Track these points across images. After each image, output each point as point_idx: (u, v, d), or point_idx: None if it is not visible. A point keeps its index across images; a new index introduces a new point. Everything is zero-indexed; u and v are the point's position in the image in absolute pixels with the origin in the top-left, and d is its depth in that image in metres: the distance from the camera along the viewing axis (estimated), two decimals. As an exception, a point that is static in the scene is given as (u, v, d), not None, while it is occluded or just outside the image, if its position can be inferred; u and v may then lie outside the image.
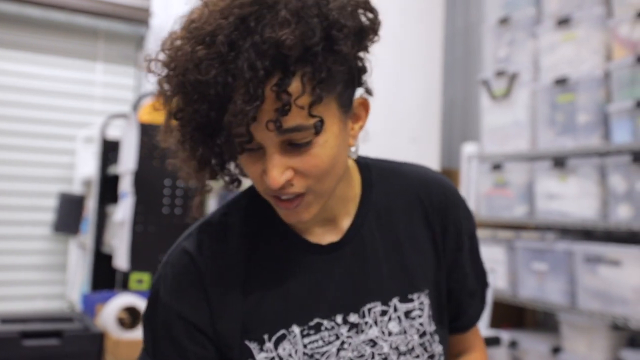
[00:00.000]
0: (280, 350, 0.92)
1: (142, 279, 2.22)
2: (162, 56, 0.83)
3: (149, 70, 0.85)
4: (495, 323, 2.92)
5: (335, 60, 0.80)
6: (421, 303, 0.99)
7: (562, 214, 2.75)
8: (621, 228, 2.55)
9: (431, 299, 1.00)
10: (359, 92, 0.94)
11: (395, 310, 0.97)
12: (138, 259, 2.22)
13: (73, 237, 3.40)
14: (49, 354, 1.65)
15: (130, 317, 1.79)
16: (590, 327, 2.61)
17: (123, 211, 2.24)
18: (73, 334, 1.69)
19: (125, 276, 2.24)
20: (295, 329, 0.93)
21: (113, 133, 2.87)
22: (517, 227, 3.05)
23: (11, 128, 3.46)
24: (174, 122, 0.87)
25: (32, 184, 3.50)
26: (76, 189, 3.44)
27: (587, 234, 2.90)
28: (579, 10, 2.69)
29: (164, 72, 0.82)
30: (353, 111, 0.91)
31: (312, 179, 0.85)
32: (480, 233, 3.02)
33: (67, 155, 3.53)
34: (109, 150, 2.79)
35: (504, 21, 3.03)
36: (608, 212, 2.57)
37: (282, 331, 0.93)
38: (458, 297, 1.06)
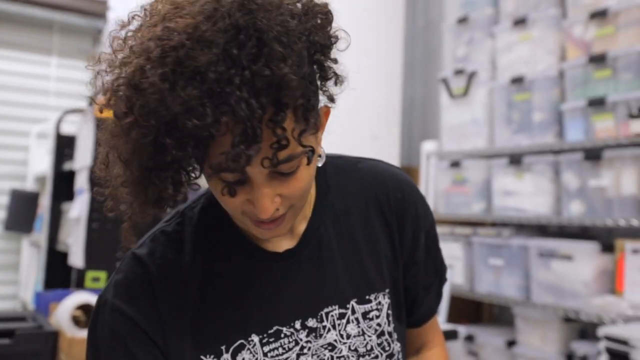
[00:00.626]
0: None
1: (99, 277, 2.19)
2: (115, 80, 0.75)
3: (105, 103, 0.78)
4: (452, 318, 2.94)
5: (322, 84, 0.80)
6: (379, 303, 0.99)
7: (517, 210, 2.80)
8: (573, 224, 2.63)
9: (390, 298, 1.00)
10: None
11: (353, 312, 0.97)
12: (94, 257, 2.18)
13: (26, 235, 3.34)
14: (0, 353, 1.61)
15: (85, 316, 1.76)
16: (544, 321, 2.66)
17: (79, 208, 2.20)
18: (25, 333, 1.66)
19: (81, 274, 2.20)
20: (255, 338, 0.92)
21: (68, 129, 2.81)
22: (474, 223, 3.09)
23: None
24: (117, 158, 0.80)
25: None
26: (29, 185, 3.38)
27: (541, 229, 2.96)
28: (535, 11, 2.75)
29: (119, 105, 0.73)
30: (320, 121, 0.86)
31: (295, 199, 0.83)
32: (439, 229, 3.06)
33: (21, 151, 3.46)
34: (64, 146, 2.74)
35: (462, 20, 3.07)
36: (561, 208, 2.63)
37: (241, 341, 0.91)
38: (414, 292, 1.06)
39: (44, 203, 3.02)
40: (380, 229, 1.02)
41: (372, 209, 1.02)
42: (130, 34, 0.78)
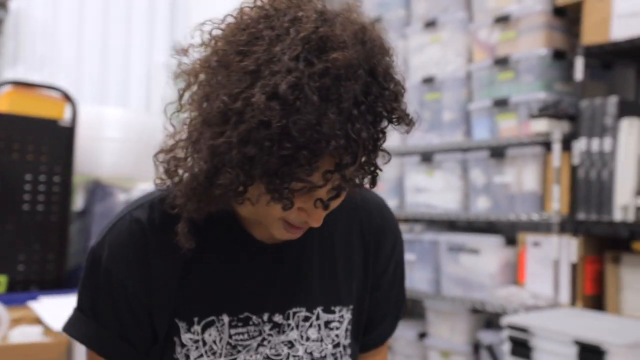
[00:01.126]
0: (206, 335, 0.94)
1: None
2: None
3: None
4: None
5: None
6: (342, 316, 1.02)
7: (428, 206, 2.88)
8: (480, 219, 2.71)
9: (353, 315, 1.04)
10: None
11: (318, 318, 1.00)
12: None
13: None
14: None
15: None
16: (452, 312, 2.75)
17: None
18: None
19: None
20: (225, 318, 0.95)
21: None
22: None
23: None
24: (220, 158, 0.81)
25: None
26: None
27: (450, 224, 3.05)
28: (444, 14, 2.82)
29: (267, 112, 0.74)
30: None
31: (319, 220, 0.88)
32: None
33: None
34: None
35: (376, 21, 3.07)
36: (469, 204, 2.72)
37: (212, 317, 0.94)
38: (371, 315, 1.09)
39: None
40: (358, 249, 1.06)
41: (355, 229, 1.06)
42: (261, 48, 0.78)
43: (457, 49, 2.78)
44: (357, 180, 0.86)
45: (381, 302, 1.10)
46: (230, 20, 0.84)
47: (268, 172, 0.76)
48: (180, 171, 0.90)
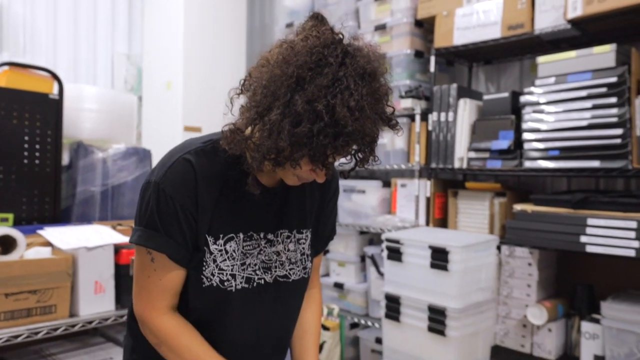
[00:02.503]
0: (227, 246, 0.98)
1: (7, 218, 2.03)
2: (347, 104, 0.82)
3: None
4: None
5: None
6: (307, 236, 1.10)
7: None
8: (366, 169, 2.81)
9: (311, 234, 1.12)
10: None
11: (294, 236, 1.08)
12: (2, 202, 2.02)
13: None
14: None
15: (1, 246, 1.66)
16: (346, 234, 2.85)
17: None
18: None
19: None
20: (240, 235, 1.00)
21: None
22: None
23: None
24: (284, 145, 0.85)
25: None
26: None
27: (346, 174, 3.13)
28: (339, 22, 2.84)
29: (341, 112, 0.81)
30: None
31: None
32: None
33: None
34: None
35: (289, 25, 3.10)
36: None
37: (232, 234, 0.99)
38: (319, 235, 1.16)
39: None
40: (317, 190, 1.13)
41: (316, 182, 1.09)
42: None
43: None
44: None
45: (324, 227, 1.18)
46: (292, 43, 0.87)
47: (321, 152, 0.83)
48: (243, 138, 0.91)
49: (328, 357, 2.66)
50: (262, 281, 1.03)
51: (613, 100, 1.81)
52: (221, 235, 0.98)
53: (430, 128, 2.39)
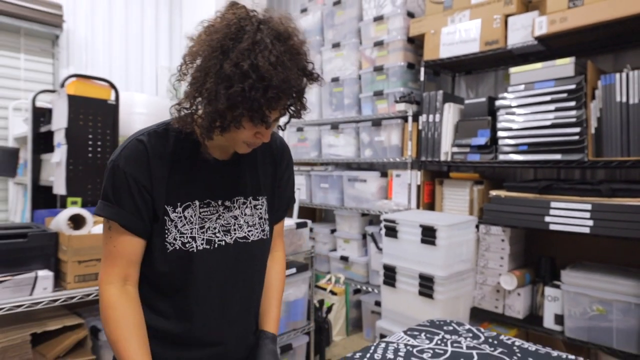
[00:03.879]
0: (185, 213, 0.92)
1: (76, 201, 2.09)
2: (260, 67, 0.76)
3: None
4: (301, 216, 3.06)
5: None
6: (263, 202, 1.02)
7: (336, 155, 2.94)
8: (366, 162, 2.80)
9: (267, 201, 1.03)
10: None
11: (250, 202, 1.00)
12: (72, 188, 2.08)
13: (11, 178, 3.01)
14: (18, 248, 1.53)
15: (73, 223, 1.70)
16: (351, 216, 2.87)
17: (59, 156, 2.06)
18: (35, 234, 1.57)
19: (63, 199, 2.10)
20: (197, 202, 0.93)
21: (38, 103, 2.57)
22: (311, 164, 3.18)
23: None
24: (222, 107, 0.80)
25: None
26: (11, 144, 3.03)
27: (349, 165, 3.12)
28: (344, 39, 2.85)
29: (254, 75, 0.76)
30: None
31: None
32: None
33: (2, 119, 3.07)
34: (38, 115, 2.50)
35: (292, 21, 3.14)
36: (360, 153, 2.80)
37: (188, 202, 0.92)
38: (277, 203, 1.08)
39: (24, 155, 2.75)
40: (270, 163, 1.05)
41: (267, 152, 1.05)
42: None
43: (352, 61, 2.81)
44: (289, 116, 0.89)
45: (282, 196, 1.09)
46: (212, 23, 0.83)
47: (256, 108, 0.78)
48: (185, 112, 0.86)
49: (336, 317, 2.72)
50: (223, 242, 0.95)
51: (572, 104, 1.84)
52: (179, 204, 0.92)
53: (420, 127, 2.40)
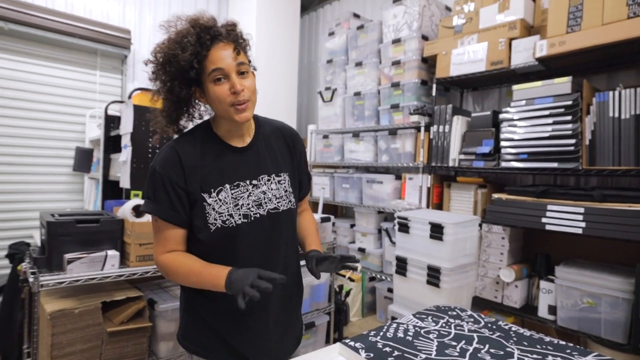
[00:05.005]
0: (219, 196, 0.93)
1: (138, 194, 2.17)
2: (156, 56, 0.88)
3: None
4: (325, 212, 3.03)
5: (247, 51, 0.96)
6: (285, 177, 1.03)
7: (356, 160, 2.92)
8: (383, 166, 2.78)
9: (289, 176, 1.04)
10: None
11: (274, 179, 1.00)
12: (135, 183, 2.14)
13: (86, 173, 3.15)
14: (93, 232, 1.60)
15: (135, 212, 1.77)
16: (368, 213, 2.86)
17: (125, 155, 2.14)
18: (106, 220, 1.64)
19: (128, 192, 2.18)
20: (227, 186, 0.94)
21: (110, 112, 2.68)
22: (335, 167, 3.17)
23: (49, 109, 3.07)
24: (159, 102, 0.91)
25: (61, 142, 3.15)
26: (87, 145, 3.17)
27: (368, 169, 3.11)
28: (366, 59, 2.83)
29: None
30: (252, 64, 0.99)
31: (251, 92, 0.91)
32: (318, 170, 3.21)
33: (80, 125, 3.21)
34: (110, 122, 2.61)
35: (329, 61, 3.11)
36: (378, 159, 2.78)
37: (220, 187, 0.93)
38: (300, 179, 1.11)
39: (97, 154, 2.87)
40: (284, 147, 1.06)
41: (281, 138, 1.07)
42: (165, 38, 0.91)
43: (372, 78, 2.79)
44: (243, 70, 0.91)
45: (300, 177, 1.10)
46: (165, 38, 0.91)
47: (196, 79, 0.88)
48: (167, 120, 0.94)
49: (353, 301, 2.73)
50: (258, 215, 0.96)
51: (568, 118, 1.80)
52: (212, 190, 0.93)
53: (431, 137, 2.38)
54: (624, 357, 1.62)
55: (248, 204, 0.96)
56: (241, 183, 0.96)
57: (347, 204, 2.96)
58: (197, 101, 0.95)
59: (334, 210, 3.41)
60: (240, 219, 0.94)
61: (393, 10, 2.65)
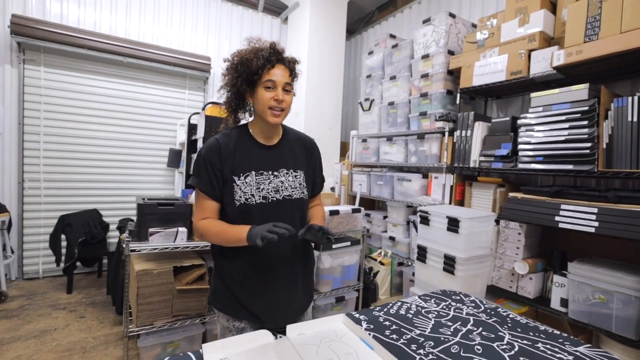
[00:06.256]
0: (246, 180, 1.00)
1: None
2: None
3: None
4: (362, 205, 2.99)
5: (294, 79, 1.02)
6: (300, 174, 1.07)
7: (389, 160, 2.87)
8: (412, 166, 2.71)
9: (304, 174, 1.09)
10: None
11: (291, 173, 1.05)
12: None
13: (176, 169, 3.38)
14: (169, 212, 1.71)
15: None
16: (399, 207, 2.80)
17: None
18: (179, 204, 1.75)
19: None
20: (253, 173, 1.01)
21: (192, 121, 2.87)
22: (371, 166, 3.14)
23: (150, 119, 3.37)
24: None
25: (158, 144, 3.43)
26: (177, 147, 3.42)
27: (399, 168, 3.04)
28: (399, 73, 2.77)
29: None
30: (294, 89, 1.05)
31: (287, 104, 1.00)
32: (357, 169, 3.18)
33: (172, 131, 3.47)
34: (191, 129, 2.78)
35: (368, 76, 3.07)
36: (408, 159, 2.71)
37: (247, 173, 1.00)
38: (313, 180, 1.14)
39: (184, 154, 3.06)
40: (303, 152, 1.11)
41: (301, 145, 1.12)
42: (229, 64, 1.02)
43: (404, 89, 2.73)
44: (287, 89, 0.99)
45: (314, 178, 1.14)
46: (236, 54, 0.99)
47: (255, 82, 0.95)
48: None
49: (382, 282, 2.69)
50: (275, 198, 1.01)
51: (584, 122, 1.62)
52: (241, 174, 1.00)
53: (455, 140, 2.27)
54: (636, 353, 1.43)
55: (268, 189, 1.01)
56: (264, 172, 1.02)
57: (381, 199, 2.92)
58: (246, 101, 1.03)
59: (372, 204, 3.37)
60: (259, 199, 1.00)
61: (423, 30, 2.55)
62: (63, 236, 2.80)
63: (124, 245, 1.62)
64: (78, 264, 2.97)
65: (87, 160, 3.16)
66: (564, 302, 1.72)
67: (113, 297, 2.44)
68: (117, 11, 3.20)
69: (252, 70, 0.94)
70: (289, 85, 0.98)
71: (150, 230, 1.68)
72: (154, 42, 3.34)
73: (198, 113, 2.93)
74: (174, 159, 3.32)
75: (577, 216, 1.58)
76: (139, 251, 1.63)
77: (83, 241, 2.75)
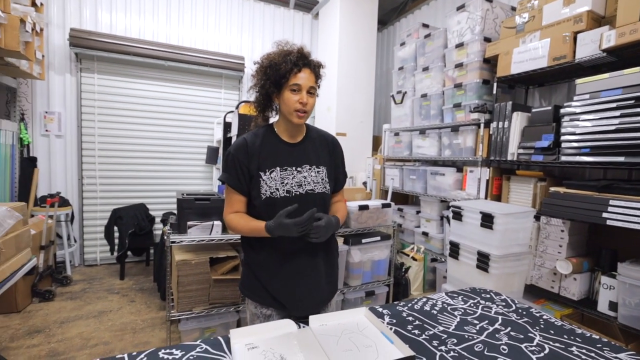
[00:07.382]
0: (272, 175, 1.03)
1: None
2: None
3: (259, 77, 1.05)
4: (395, 201, 3.04)
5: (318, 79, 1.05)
6: (323, 170, 1.09)
7: (422, 154, 2.81)
8: (446, 160, 2.64)
9: (327, 170, 1.11)
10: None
11: (314, 169, 1.08)
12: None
13: (214, 165, 3.48)
14: (205, 207, 1.77)
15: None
16: (432, 202, 2.73)
17: None
18: (214, 199, 1.82)
19: None
20: (278, 168, 1.04)
21: (227, 119, 2.95)
22: (404, 160, 3.10)
23: (190, 118, 3.51)
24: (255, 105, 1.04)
25: (197, 142, 3.56)
26: (214, 144, 3.52)
27: (432, 162, 2.96)
28: (432, 63, 2.68)
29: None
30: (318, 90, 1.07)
31: (310, 107, 1.02)
32: (390, 163, 3.15)
33: (210, 129, 3.58)
34: (227, 126, 2.83)
35: (400, 68, 3.01)
36: (441, 153, 2.64)
37: (273, 168, 1.03)
38: (336, 176, 1.16)
39: (220, 151, 3.13)
40: (326, 149, 1.13)
41: (324, 142, 1.14)
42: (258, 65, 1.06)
43: (437, 80, 2.65)
44: (312, 92, 1.02)
45: (337, 174, 1.15)
46: (265, 56, 1.03)
47: (282, 85, 0.98)
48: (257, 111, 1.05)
49: (415, 277, 2.65)
50: (298, 192, 1.04)
51: (638, 110, 1.46)
52: (267, 170, 1.03)
53: (491, 132, 2.16)
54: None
55: (292, 184, 1.04)
56: (288, 168, 1.05)
57: (414, 193, 2.87)
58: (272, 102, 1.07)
59: (405, 198, 3.32)
60: (284, 193, 1.04)
61: (457, 17, 2.43)
62: (115, 228, 3.06)
63: (165, 237, 1.74)
64: (129, 253, 3.23)
65: (134, 158, 3.38)
66: (613, 306, 1.58)
67: (158, 284, 2.64)
68: (159, 17, 3.37)
69: (280, 74, 0.98)
70: (313, 88, 1.01)
71: (189, 223, 1.79)
72: (192, 44, 3.47)
73: (232, 111, 3.03)
74: (211, 155, 3.45)
75: (629, 212, 1.45)
76: (179, 243, 1.74)
77: (132, 232, 2.99)
